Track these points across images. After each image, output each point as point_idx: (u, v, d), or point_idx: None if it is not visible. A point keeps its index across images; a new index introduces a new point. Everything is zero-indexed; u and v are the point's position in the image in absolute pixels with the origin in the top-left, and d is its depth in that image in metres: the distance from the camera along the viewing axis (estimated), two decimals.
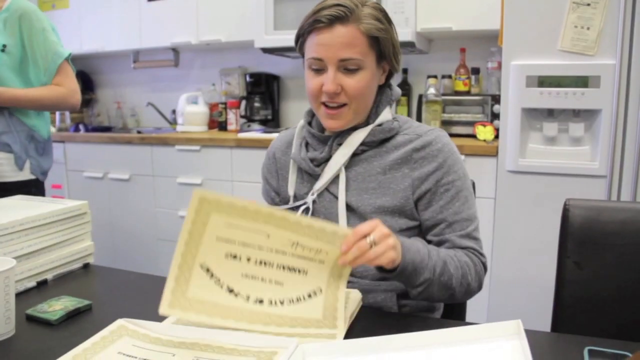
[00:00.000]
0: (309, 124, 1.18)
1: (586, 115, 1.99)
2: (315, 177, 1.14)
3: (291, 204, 1.16)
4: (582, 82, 1.92)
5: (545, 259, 2.05)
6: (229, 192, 2.80)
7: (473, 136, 2.45)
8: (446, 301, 1.13)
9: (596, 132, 1.96)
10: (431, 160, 1.07)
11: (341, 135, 1.11)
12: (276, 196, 1.24)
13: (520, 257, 2.09)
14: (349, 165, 1.11)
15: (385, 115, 1.12)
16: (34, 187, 1.88)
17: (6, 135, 1.80)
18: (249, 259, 0.86)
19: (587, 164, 1.98)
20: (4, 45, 1.76)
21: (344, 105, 1.06)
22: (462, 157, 2.24)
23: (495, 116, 2.45)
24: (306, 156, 1.14)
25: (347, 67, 1.03)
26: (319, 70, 1.06)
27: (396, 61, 1.10)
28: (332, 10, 1.00)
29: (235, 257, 0.86)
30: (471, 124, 2.52)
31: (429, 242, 1.10)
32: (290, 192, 1.17)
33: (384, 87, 1.15)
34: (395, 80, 2.87)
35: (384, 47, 1.05)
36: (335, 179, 1.12)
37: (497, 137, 2.33)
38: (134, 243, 3.15)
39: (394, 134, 1.11)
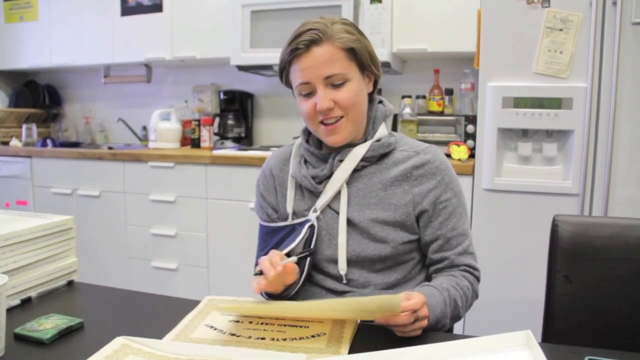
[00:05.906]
0: (307, 142, 1.20)
1: (559, 136, 2.06)
2: (316, 194, 1.16)
3: (293, 220, 1.17)
4: (555, 103, 1.99)
5: (523, 275, 2.10)
6: (203, 209, 2.77)
7: (447, 155, 2.50)
8: None
9: (569, 152, 2.03)
10: (430, 178, 1.13)
11: (341, 152, 1.14)
12: (273, 212, 1.24)
13: (497, 273, 2.13)
14: (349, 181, 1.14)
15: (382, 131, 1.17)
16: None
17: None
18: (250, 322, 0.96)
19: (560, 183, 2.04)
20: None
21: (340, 118, 1.10)
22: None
23: (469, 136, 2.51)
24: (307, 174, 1.16)
25: (334, 83, 1.08)
26: (309, 94, 1.10)
27: (376, 67, 1.15)
28: (306, 36, 1.06)
29: (237, 321, 0.97)
30: (445, 143, 2.57)
31: (431, 261, 1.15)
32: (289, 209, 1.18)
33: (375, 102, 1.20)
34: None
35: (361, 56, 1.10)
36: (336, 195, 1.14)
37: (470, 156, 2.38)
38: (104, 261, 3.06)
39: (392, 149, 1.15)
